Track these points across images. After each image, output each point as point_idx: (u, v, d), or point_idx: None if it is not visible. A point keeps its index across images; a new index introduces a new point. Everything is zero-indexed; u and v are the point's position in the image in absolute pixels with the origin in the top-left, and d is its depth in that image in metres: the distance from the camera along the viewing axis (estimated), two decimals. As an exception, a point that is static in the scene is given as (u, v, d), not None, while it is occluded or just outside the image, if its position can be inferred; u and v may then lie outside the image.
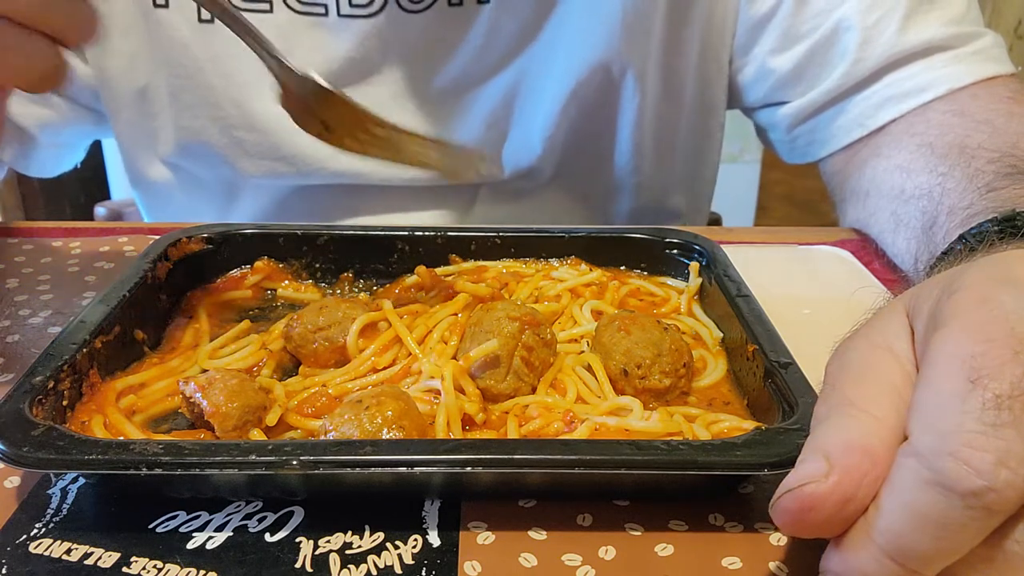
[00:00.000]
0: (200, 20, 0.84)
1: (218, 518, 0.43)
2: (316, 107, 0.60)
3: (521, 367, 0.52)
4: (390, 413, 0.45)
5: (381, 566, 0.41)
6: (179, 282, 0.64)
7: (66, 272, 0.73)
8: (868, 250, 0.78)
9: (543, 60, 0.87)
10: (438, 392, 0.50)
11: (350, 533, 0.43)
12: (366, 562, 0.41)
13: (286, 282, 0.67)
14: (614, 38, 0.85)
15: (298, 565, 0.41)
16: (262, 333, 0.60)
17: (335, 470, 0.40)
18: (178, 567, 0.40)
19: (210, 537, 0.42)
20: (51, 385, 0.46)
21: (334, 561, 0.41)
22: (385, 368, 0.55)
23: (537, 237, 0.69)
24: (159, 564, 0.41)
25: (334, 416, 0.46)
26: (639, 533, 0.43)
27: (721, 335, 0.59)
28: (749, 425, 0.48)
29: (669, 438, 0.46)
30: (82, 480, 0.46)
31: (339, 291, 0.68)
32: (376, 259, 0.69)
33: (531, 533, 0.43)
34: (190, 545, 0.42)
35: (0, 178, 0.90)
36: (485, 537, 0.43)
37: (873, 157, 0.81)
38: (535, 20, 0.86)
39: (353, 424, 0.45)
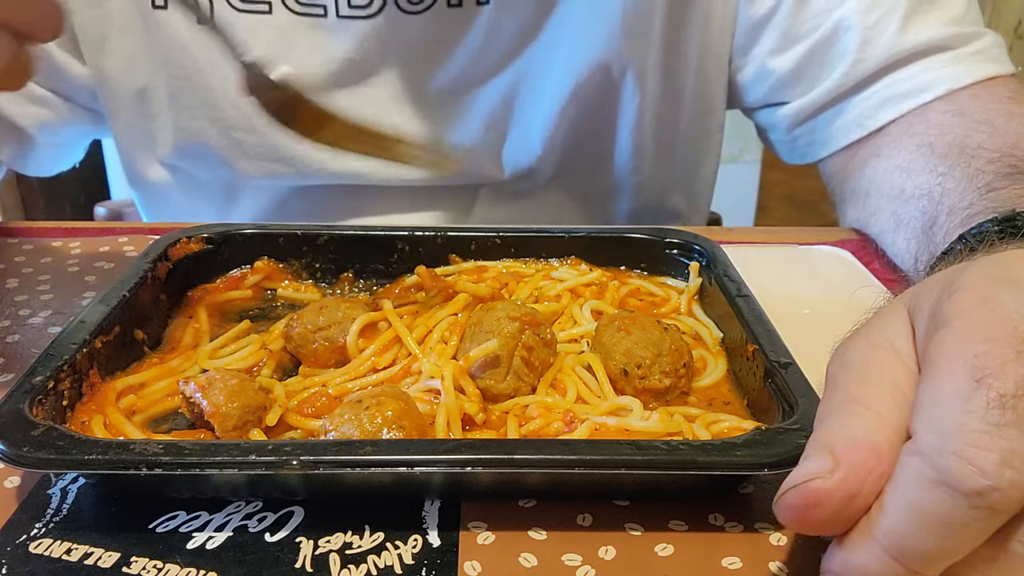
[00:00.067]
0: (199, 21, 0.84)
1: (218, 518, 0.43)
2: (278, 98, 0.61)
3: (521, 367, 0.52)
4: (390, 413, 0.45)
5: (381, 566, 0.41)
6: (179, 282, 0.64)
7: (66, 272, 0.73)
8: (868, 250, 0.78)
9: (543, 61, 0.87)
10: (438, 392, 0.50)
11: (350, 533, 0.43)
12: (366, 562, 0.41)
13: (286, 282, 0.67)
14: (614, 38, 0.85)
15: (298, 565, 0.41)
16: (262, 333, 0.60)
17: (335, 470, 0.40)
18: (178, 567, 0.40)
19: (210, 537, 0.42)
20: (51, 385, 0.46)
21: (334, 561, 0.41)
22: (385, 368, 0.55)
23: (537, 237, 0.69)
24: (159, 564, 0.41)
25: (334, 416, 0.46)
26: (639, 533, 0.43)
27: (721, 335, 0.59)
28: (749, 425, 0.48)
29: (669, 438, 0.46)
30: (82, 480, 0.46)
31: (339, 291, 0.68)
32: (376, 259, 0.69)
33: (531, 533, 0.43)
34: (190, 545, 0.42)
35: None
36: (485, 537, 0.43)
37: (873, 157, 0.81)
38: (535, 21, 0.86)
39: (353, 424, 0.45)
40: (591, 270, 0.67)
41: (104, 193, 2.31)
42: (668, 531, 0.43)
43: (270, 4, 0.83)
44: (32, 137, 0.88)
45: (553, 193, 0.96)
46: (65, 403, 0.48)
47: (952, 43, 0.80)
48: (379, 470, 0.41)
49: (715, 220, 1.19)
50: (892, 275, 0.73)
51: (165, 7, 0.83)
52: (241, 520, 0.43)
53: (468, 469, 0.40)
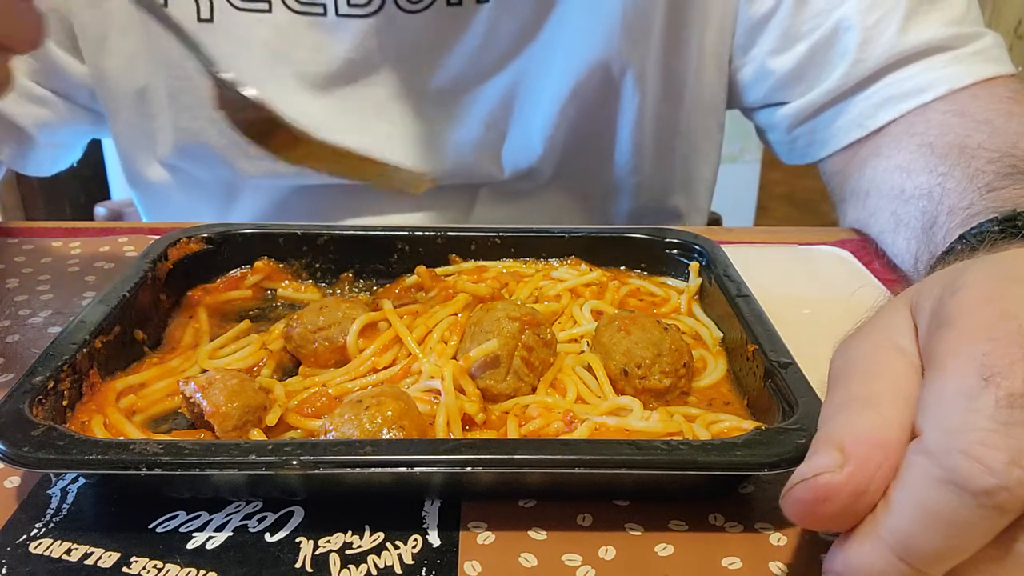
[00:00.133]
0: (199, 20, 0.84)
1: (218, 518, 0.43)
2: (251, 117, 0.61)
3: (521, 367, 0.52)
4: (390, 413, 0.45)
5: (381, 566, 0.41)
6: (179, 282, 0.64)
7: (66, 272, 0.73)
8: (868, 250, 0.78)
9: (542, 60, 0.87)
10: (438, 392, 0.50)
11: (350, 533, 0.43)
12: (366, 562, 0.41)
13: (286, 282, 0.67)
14: (613, 38, 0.85)
15: (298, 565, 0.41)
16: (262, 333, 0.60)
17: (335, 470, 0.40)
18: (178, 567, 0.40)
19: (210, 537, 0.42)
20: (51, 385, 0.46)
21: (334, 561, 0.41)
22: (385, 368, 0.55)
23: (537, 237, 0.69)
24: (159, 564, 0.41)
25: (334, 416, 0.46)
26: (639, 533, 0.43)
27: (721, 335, 0.59)
28: (749, 425, 0.48)
29: (669, 438, 0.46)
30: (82, 480, 0.46)
31: (339, 291, 0.68)
32: (376, 259, 0.69)
33: (531, 533, 0.43)
34: (190, 545, 0.42)
35: None
36: (485, 537, 0.43)
37: (873, 157, 0.81)
38: (534, 20, 0.86)
39: (353, 424, 0.45)
40: (591, 270, 0.67)
41: (104, 193, 2.31)
42: (668, 531, 0.43)
43: (270, 3, 0.84)
44: (32, 137, 0.88)
45: (553, 193, 0.96)
46: (65, 403, 0.48)
47: (952, 43, 0.80)
48: (379, 470, 0.41)
49: (715, 220, 1.19)
50: (892, 275, 0.73)
51: (165, 6, 0.83)
52: (241, 520, 0.43)
53: (468, 469, 0.40)
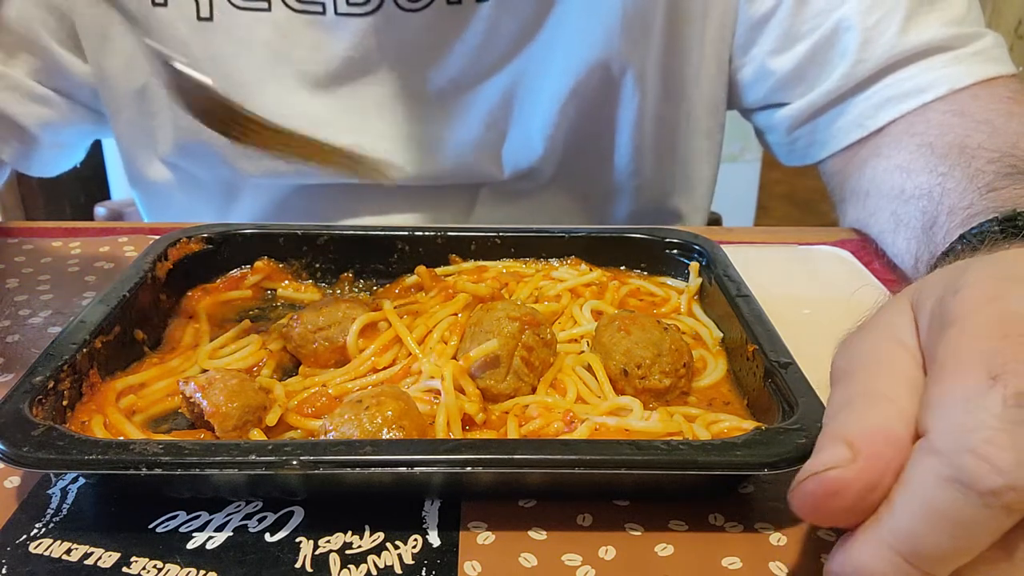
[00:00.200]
0: (199, 18, 0.84)
1: (218, 518, 0.43)
2: (208, 105, 0.62)
3: (521, 367, 0.52)
4: (390, 413, 0.45)
5: (381, 566, 0.41)
6: (179, 282, 0.64)
7: (66, 272, 0.73)
8: (868, 250, 0.78)
9: (542, 59, 0.87)
10: (438, 392, 0.50)
11: (350, 533, 0.43)
12: (366, 562, 0.41)
13: (286, 282, 0.67)
14: (613, 37, 0.85)
15: (298, 565, 0.41)
16: (262, 333, 0.60)
17: (335, 470, 0.40)
18: (178, 567, 0.40)
19: (210, 537, 0.42)
20: (51, 385, 0.46)
21: (334, 561, 0.41)
22: (385, 368, 0.55)
23: (537, 237, 0.69)
24: (159, 564, 0.41)
25: (334, 416, 0.46)
26: (639, 533, 0.43)
27: (721, 335, 0.59)
28: (749, 425, 0.48)
29: (669, 438, 0.46)
30: (82, 480, 0.46)
31: (339, 291, 0.68)
32: (376, 259, 0.69)
33: (531, 533, 0.43)
34: (190, 545, 0.42)
35: (2, 181, 0.90)
36: (485, 537, 0.43)
37: (873, 157, 0.81)
38: (534, 19, 0.86)
39: (353, 424, 0.45)
40: (591, 270, 0.67)
41: (104, 193, 2.31)
42: (668, 531, 0.43)
43: (269, 1, 0.84)
44: (35, 136, 0.88)
45: (553, 194, 0.96)
46: (65, 403, 0.48)
47: (953, 43, 0.80)
48: (379, 470, 0.41)
49: (715, 220, 1.19)
50: (892, 275, 0.73)
51: (164, 4, 0.83)
52: (241, 520, 0.43)
53: (468, 469, 0.40)
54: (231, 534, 0.42)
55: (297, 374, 0.56)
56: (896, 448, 0.32)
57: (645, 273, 0.69)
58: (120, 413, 0.49)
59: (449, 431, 0.47)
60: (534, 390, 0.53)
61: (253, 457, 0.40)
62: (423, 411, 0.48)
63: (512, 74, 0.88)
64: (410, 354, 0.55)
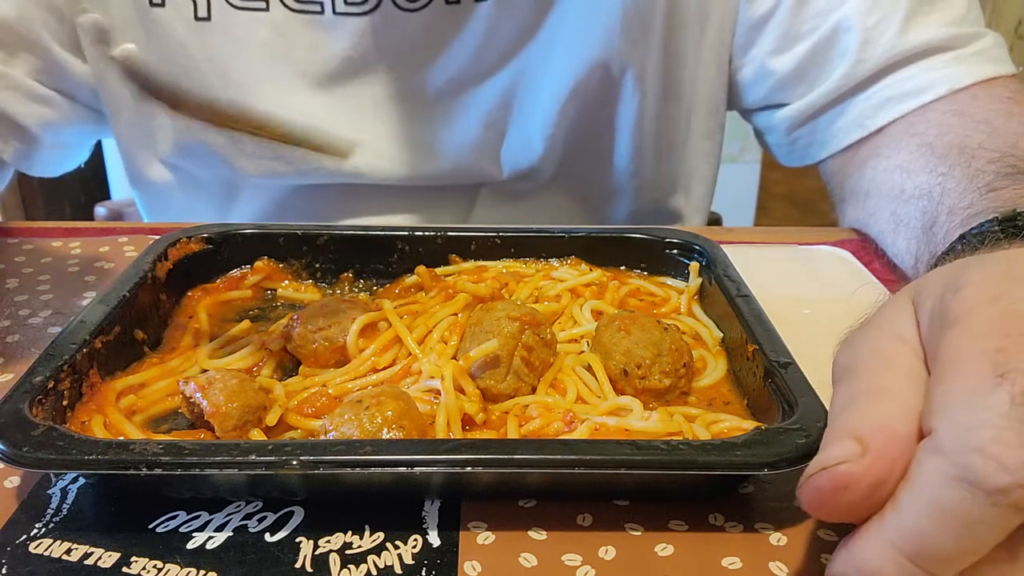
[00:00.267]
0: (196, 19, 0.84)
1: (218, 518, 0.43)
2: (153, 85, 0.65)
3: (521, 367, 0.52)
4: (390, 413, 0.45)
5: (381, 566, 0.41)
6: (179, 282, 0.64)
7: (66, 272, 0.73)
8: (868, 250, 0.78)
9: (541, 59, 0.87)
10: (438, 392, 0.50)
11: (350, 533, 0.43)
12: (366, 562, 0.41)
13: (286, 282, 0.67)
14: (613, 37, 0.85)
15: (298, 565, 0.41)
16: (262, 333, 0.60)
17: (335, 470, 0.40)
18: (178, 567, 0.40)
19: (210, 537, 0.42)
20: (51, 385, 0.46)
21: (334, 561, 0.41)
22: (385, 368, 0.55)
23: (537, 237, 0.69)
24: (159, 564, 0.41)
25: (334, 416, 0.46)
26: (639, 533, 0.43)
27: (721, 335, 0.59)
28: (749, 425, 0.48)
29: (669, 438, 0.46)
30: (82, 480, 0.46)
31: (339, 291, 0.68)
32: (376, 259, 0.69)
33: (531, 533, 0.43)
34: (190, 545, 0.42)
35: (5, 183, 0.90)
36: (485, 537, 0.43)
37: (873, 157, 0.81)
38: (533, 19, 0.86)
39: (353, 424, 0.45)
40: (591, 270, 0.67)
41: (104, 193, 2.32)
42: (668, 531, 0.43)
43: (267, 1, 0.84)
44: (36, 137, 0.88)
45: (553, 195, 0.96)
46: (65, 403, 0.48)
47: (953, 44, 0.80)
48: (379, 470, 0.41)
49: (715, 220, 1.19)
50: (892, 275, 0.73)
51: (162, 5, 0.83)
52: (241, 520, 0.43)
53: (468, 469, 0.40)
54: (231, 534, 0.42)
55: (297, 374, 0.56)
56: (903, 444, 0.32)
57: (645, 273, 0.69)
58: (120, 413, 0.49)
59: (449, 431, 0.47)
60: (534, 390, 0.53)
61: (253, 457, 0.40)
62: (423, 411, 0.48)
63: (511, 74, 0.88)
64: (410, 354, 0.55)
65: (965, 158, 0.68)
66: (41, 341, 0.61)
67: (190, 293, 0.65)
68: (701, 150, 0.99)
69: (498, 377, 0.52)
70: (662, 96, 0.91)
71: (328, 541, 0.42)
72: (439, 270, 0.67)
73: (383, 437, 0.44)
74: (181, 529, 0.43)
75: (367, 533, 0.43)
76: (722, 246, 0.66)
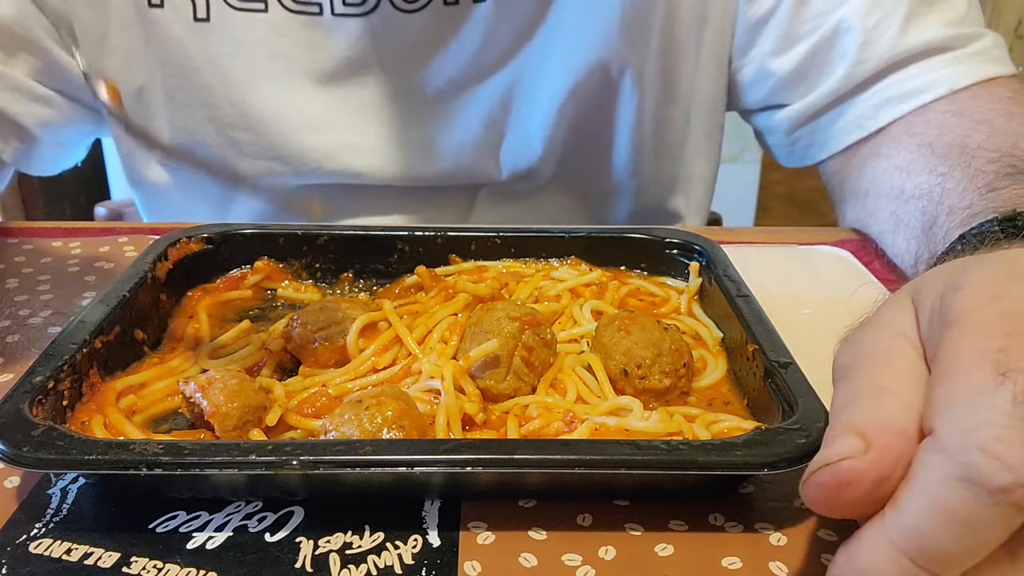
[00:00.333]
0: (195, 19, 0.84)
1: (218, 518, 0.43)
2: None
3: (521, 367, 0.52)
4: (390, 413, 0.45)
5: (381, 566, 0.41)
6: (179, 282, 0.64)
7: (66, 272, 0.73)
8: (868, 250, 0.78)
9: (540, 60, 0.87)
10: (438, 392, 0.50)
11: (350, 533, 0.43)
12: (366, 562, 0.41)
13: (286, 282, 0.67)
14: (612, 38, 0.85)
15: (298, 565, 0.41)
16: (262, 333, 0.60)
17: (335, 470, 0.40)
18: (178, 567, 0.40)
19: (210, 537, 0.42)
20: (51, 385, 0.46)
21: (334, 561, 0.41)
22: (385, 368, 0.55)
23: (537, 237, 0.69)
24: (159, 564, 0.41)
25: (334, 416, 0.46)
26: (639, 533, 0.43)
27: (721, 335, 0.59)
28: (749, 425, 0.48)
29: (669, 438, 0.46)
30: (82, 480, 0.46)
31: (339, 291, 0.68)
32: (376, 259, 0.69)
33: (531, 533, 0.43)
34: (190, 545, 0.42)
35: (5, 183, 0.90)
36: (485, 537, 0.43)
37: (873, 157, 0.81)
38: (532, 19, 0.86)
39: (353, 424, 0.45)
40: (591, 270, 0.67)
41: (104, 193, 2.32)
42: (668, 531, 0.43)
43: (266, 2, 0.84)
44: (35, 136, 0.88)
45: (552, 194, 0.96)
46: (65, 403, 0.48)
47: (952, 44, 0.80)
48: (379, 470, 0.41)
49: (715, 220, 1.19)
50: (892, 275, 0.73)
51: (161, 5, 0.83)
52: (241, 520, 0.43)
53: (468, 469, 0.40)
54: (231, 534, 0.42)
55: (297, 374, 0.56)
56: (905, 440, 0.32)
57: (645, 273, 0.69)
58: (120, 413, 0.49)
59: (449, 431, 0.47)
60: (534, 390, 0.53)
61: (253, 457, 0.40)
62: (423, 411, 0.48)
63: (510, 74, 0.88)
64: (410, 354, 0.55)
65: (965, 158, 0.68)
66: (41, 341, 0.61)
67: (190, 293, 0.65)
68: (701, 150, 0.99)
69: (498, 377, 0.52)
70: (661, 96, 0.91)
71: (328, 541, 0.42)
72: (439, 270, 0.67)
73: (383, 437, 0.44)
74: (181, 529, 0.43)
75: (367, 533, 0.43)
76: (722, 246, 0.66)
